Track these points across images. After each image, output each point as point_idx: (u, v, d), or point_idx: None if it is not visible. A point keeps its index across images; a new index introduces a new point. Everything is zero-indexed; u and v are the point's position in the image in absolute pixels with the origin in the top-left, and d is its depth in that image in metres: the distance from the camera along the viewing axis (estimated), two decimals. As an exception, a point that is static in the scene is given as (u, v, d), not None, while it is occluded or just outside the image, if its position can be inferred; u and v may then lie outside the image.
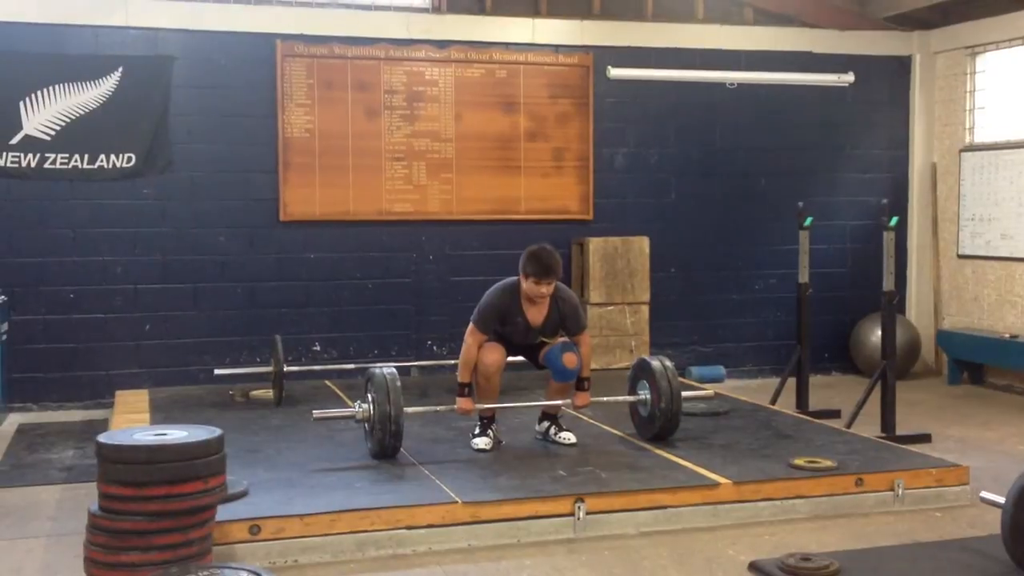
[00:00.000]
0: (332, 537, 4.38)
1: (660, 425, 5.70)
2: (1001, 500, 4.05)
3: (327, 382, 7.76)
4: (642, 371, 5.88)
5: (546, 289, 5.47)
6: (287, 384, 7.06)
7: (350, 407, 5.55)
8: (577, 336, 5.66)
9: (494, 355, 5.57)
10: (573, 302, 5.68)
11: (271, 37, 7.90)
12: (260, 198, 7.95)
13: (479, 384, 5.61)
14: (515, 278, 5.59)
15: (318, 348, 8.12)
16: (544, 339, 5.68)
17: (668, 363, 5.80)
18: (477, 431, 5.69)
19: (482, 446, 5.60)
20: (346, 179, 8.10)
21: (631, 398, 5.90)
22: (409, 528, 4.48)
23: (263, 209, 7.96)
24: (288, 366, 7.16)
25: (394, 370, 5.43)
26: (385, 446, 5.28)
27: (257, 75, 7.89)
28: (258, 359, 7.83)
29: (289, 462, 5.34)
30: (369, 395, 5.38)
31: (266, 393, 7.10)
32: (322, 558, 4.34)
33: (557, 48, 8.52)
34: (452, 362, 7.98)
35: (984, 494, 4.34)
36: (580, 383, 5.68)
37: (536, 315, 5.58)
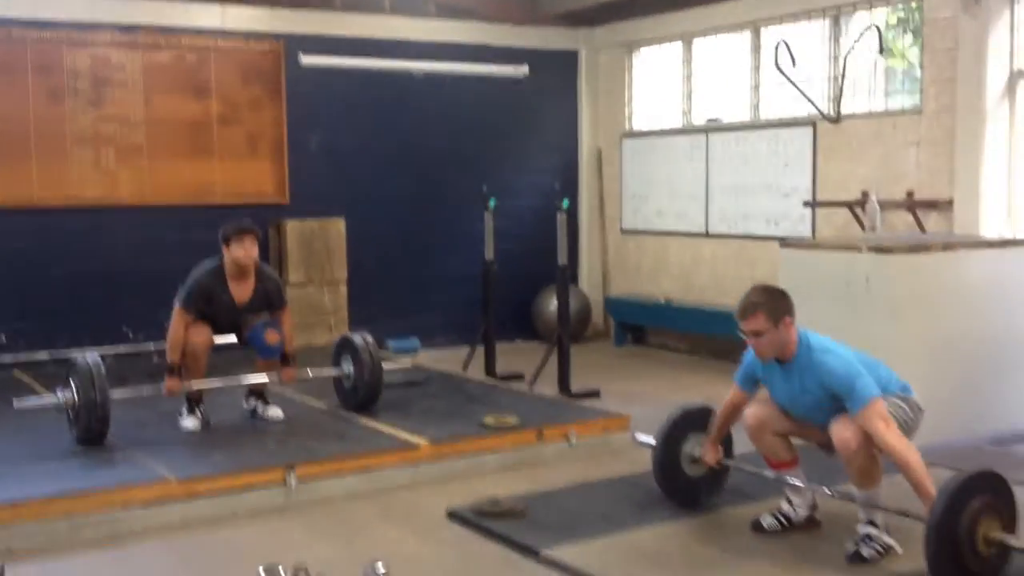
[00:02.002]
0: (45, 523, 4.44)
1: (363, 395, 6.12)
2: (650, 441, 4.80)
3: (15, 373, 7.53)
4: (345, 346, 6.27)
5: (250, 246, 5.69)
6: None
7: (51, 396, 5.52)
8: (279, 312, 5.94)
9: (201, 336, 5.75)
10: (276, 279, 5.99)
11: (-59, 17, 7.51)
12: (-67, 185, 7.55)
13: (187, 364, 5.77)
14: (218, 257, 5.79)
15: (4, 340, 7.83)
16: (249, 316, 5.91)
17: (369, 338, 6.22)
18: (185, 411, 5.85)
19: (191, 427, 5.76)
20: (28, 165, 7.86)
21: (335, 372, 6.27)
22: (125, 508, 4.62)
23: (-63, 196, 7.57)
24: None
25: (97, 356, 5.48)
26: (92, 432, 5.33)
27: (-75, 55, 7.47)
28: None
29: (-11, 454, 5.28)
30: (72, 382, 5.40)
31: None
32: (37, 543, 4.39)
33: (248, 35, 8.65)
34: (150, 348, 8.02)
35: (636, 436, 5.09)
36: (285, 359, 5.97)
37: (242, 293, 5.81)
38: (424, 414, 6.14)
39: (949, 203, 7.09)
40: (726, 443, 4.75)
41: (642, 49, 9.83)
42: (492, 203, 7.93)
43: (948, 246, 5.99)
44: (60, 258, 8.03)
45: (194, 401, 5.87)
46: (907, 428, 4.20)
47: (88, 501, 4.56)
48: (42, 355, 7.57)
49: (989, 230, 6.89)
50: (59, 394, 5.41)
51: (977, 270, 5.98)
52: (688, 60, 9.32)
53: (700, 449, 4.67)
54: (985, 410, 5.99)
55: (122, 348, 7.95)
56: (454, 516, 4.75)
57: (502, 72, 9.66)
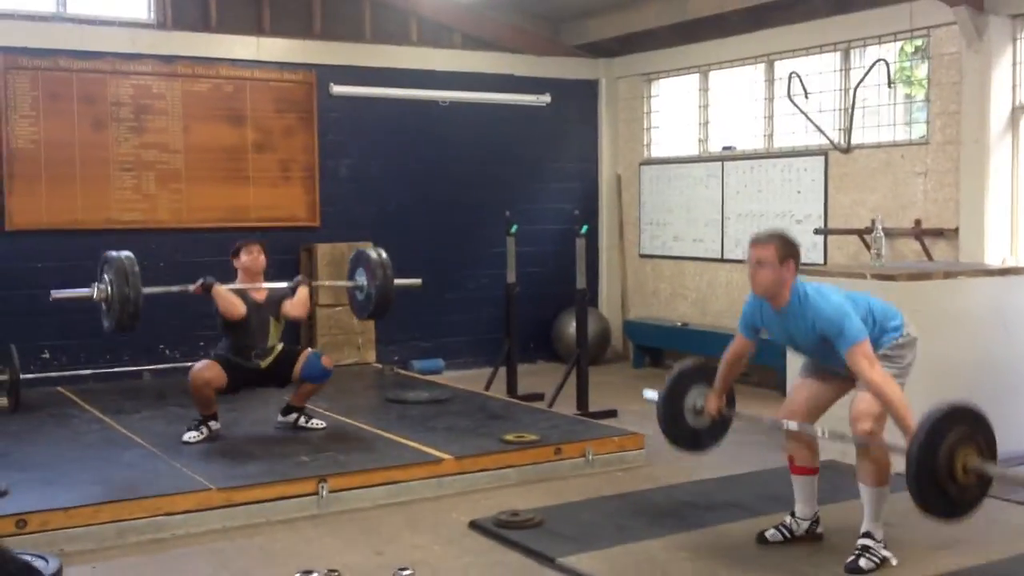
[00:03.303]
0: (95, 527, 4.77)
1: (375, 303, 6.41)
2: (655, 397, 4.96)
3: (59, 388, 7.90)
4: (359, 260, 6.60)
5: (257, 254, 6.28)
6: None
7: (87, 289, 5.80)
8: (294, 295, 6.32)
9: (214, 372, 6.08)
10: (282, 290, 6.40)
11: (-6, 49, 7.93)
12: (-16, 208, 7.94)
13: (197, 398, 6.13)
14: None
15: (47, 356, 8.20)
16: (269, 316, 6.28)
17: (383, 253, 6.51)
18: (191, 425, 6.16)
19: (189, 439, 6.05)
20: (74, 189, 8.24)
21: (350, 283, 6.61)
22: (168, 515, 4.94)
23: (-12, 219, 7.96)
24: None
25: (131, 254, 5.81)
26: (123, 324, 5.68)
27: (-22, 86, 7.88)
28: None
29: (40, 463, 5.63)
30: (106, 276, 5.71)
31: (-1, 401, 7.18)
32: (86, 546, 4.71)
33: (282, 65, 9.03)
34: (186, 364, 8.35)
35: (645, 393, 5.15)
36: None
37: (258, 294, 6.28)
38: (448, 430, 6.43)
39: (955, 232, 7.35)
40: (729, 395, 4.92)
41: (660, 79, 10.14)
42: (514, 228, 8.22)
43: (949, 274, 6.24)
44: (101, 278, 8.39)
45: (207, 418, 6.18)
46: (903, 374, 4.43)
47: (135, 508, 4.88)
48: (84, 372, 7.93)
49: (993, 258, 7.13)
50: (95, 287, 5.73)
51: (978, 297, 6.23)
52: (704, 90, 9.63)
53: (702, 400, 4.84)
54: (986, 432, 6.22)
55: (160, 365, 8.32)
56: (476, 526, 5.03)
57: (525, 101, 10.00)
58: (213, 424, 6.20)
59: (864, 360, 4.21)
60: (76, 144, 8.24)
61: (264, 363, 6.26)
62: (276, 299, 6.32)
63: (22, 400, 7.18)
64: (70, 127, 8.22)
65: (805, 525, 4.69)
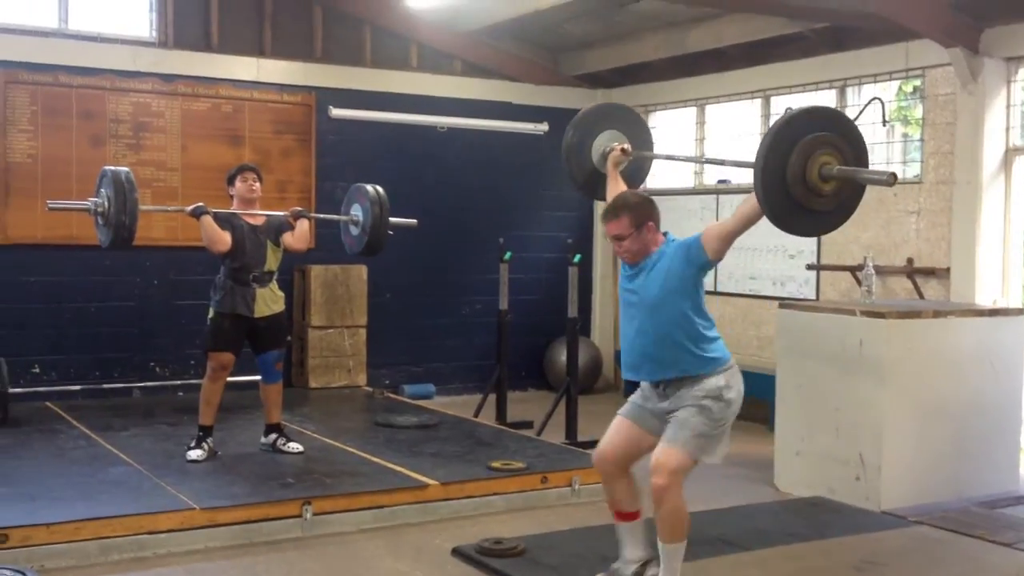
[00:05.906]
0: (77, 544, 4.74)
1: (371, 237, 6.36)
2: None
3: (48, 403, 7.87)
4: (356, 194, 6.55)
5: (252, 181, 6.24)
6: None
7: (86, 202, 5.80)
8: (293, 229, 6.31)
9: (221, 357, 6.17)
10: (281, 216, 6.41)
11: (-6, 63, 7.96)
12: (-21, 221, 7.95)
13: (204, 392, 6.15)
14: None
15: (37, 370, 8.18)
16: (266, 239, 6.27)
17: (380, 190, 6.48)
18: (193, 443, 6.16)
19: (195, 457, 6.06)
20: (70, 204, 8.25)
21: (345, 217, 6.58)
22: (151, 533, 4.91)
23: (-18, 232, 7.97)
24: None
25: (129, 171, 5.80)
26: (119, 239, 5.67)
27: (-22, 99, 7.91)
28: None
29: (25, 478, 5.61)
30: (103, 191, 5.71)
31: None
32: (68, 563, 4.69)
33: (281, 87, 9.08)
34: (176, 383, 8.39)
35: None
36: (299, 215, 6.38)
37: (254, 220, 6.29)
38: (435, 456, 6.41)
39: (947, 271, 7.37)
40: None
41: (658, 111, 10.19)
42: (508, 255, 8.23)
43: (939, 313, 6.25)
44: (95, 294, 8.40)
45: (203, 433, 6.18)
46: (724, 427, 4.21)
47: (117, 525, 4.86)
48: (73, 387, 7.92)
49: (984, 298, 7.15)
50: (93, 200, 5.73)
51: (968, 337, 6.24)
52: (701, 123, 9.68)
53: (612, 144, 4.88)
54: (973, 473, 6.23)
55: (151, 383, 8.31)
56: (459, 553, 5.01)
57: (523, 129, 10.05)
58: (210, 441, 6.18)
59: (717, 225, 4.09)
60: (73, 160, 8.26)
61: (259, 307, 6.20)
62: (273, 225, 6.31)
63: (10, 414, 7.16)
64: (68, 143, 8.24)
65: (632, 567, 4.41)
